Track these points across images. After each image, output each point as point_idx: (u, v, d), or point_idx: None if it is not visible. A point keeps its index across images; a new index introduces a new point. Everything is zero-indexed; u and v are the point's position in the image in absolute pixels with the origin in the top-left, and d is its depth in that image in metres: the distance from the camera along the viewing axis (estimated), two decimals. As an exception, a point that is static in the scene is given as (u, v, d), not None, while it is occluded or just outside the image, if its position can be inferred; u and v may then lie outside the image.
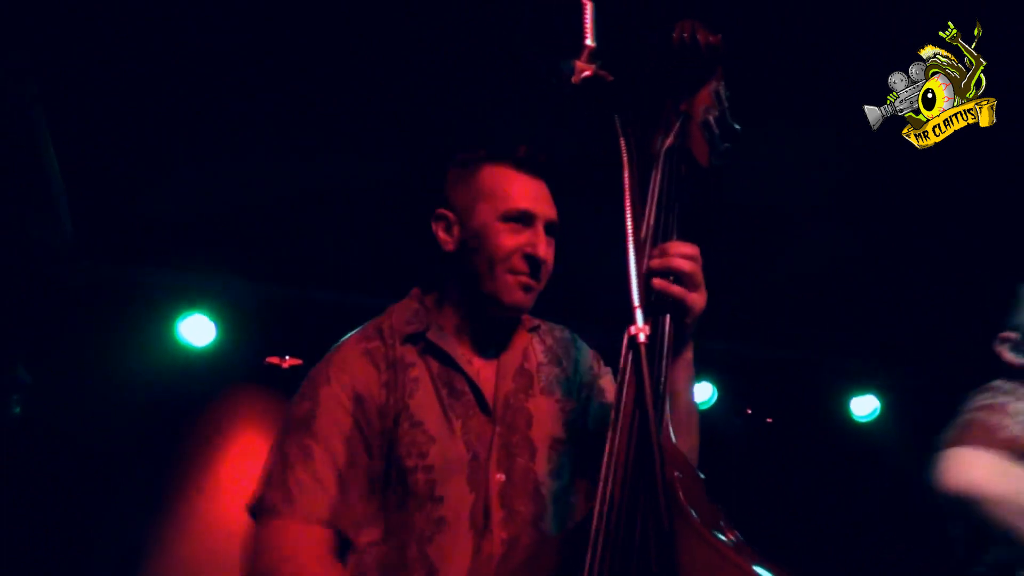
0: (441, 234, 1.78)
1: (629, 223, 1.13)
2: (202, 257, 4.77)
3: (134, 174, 4.14)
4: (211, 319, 5.06)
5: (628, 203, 1.14)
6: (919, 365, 5.54)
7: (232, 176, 4.16)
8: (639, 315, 1.08)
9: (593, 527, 1.23)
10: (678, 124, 1.38)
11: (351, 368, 1.70)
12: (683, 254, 1.37)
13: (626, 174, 1.16)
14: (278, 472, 1.62)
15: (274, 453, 1.66)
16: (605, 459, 1.29)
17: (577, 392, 1.79)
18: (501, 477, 1.63)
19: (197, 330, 5.05)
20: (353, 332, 1.79)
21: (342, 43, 3.44)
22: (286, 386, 5.21)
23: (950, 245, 4.49)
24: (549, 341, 1.85)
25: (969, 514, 1.92)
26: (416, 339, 1.73)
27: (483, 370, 1.74)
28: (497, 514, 1.61)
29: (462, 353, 1.74)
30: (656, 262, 1.35)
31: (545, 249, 1.72)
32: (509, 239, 1.71)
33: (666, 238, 1.38)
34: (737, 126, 1.39)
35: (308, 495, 1.57)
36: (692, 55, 1.37)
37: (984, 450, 1.94)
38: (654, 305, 1.34)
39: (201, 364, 5.15)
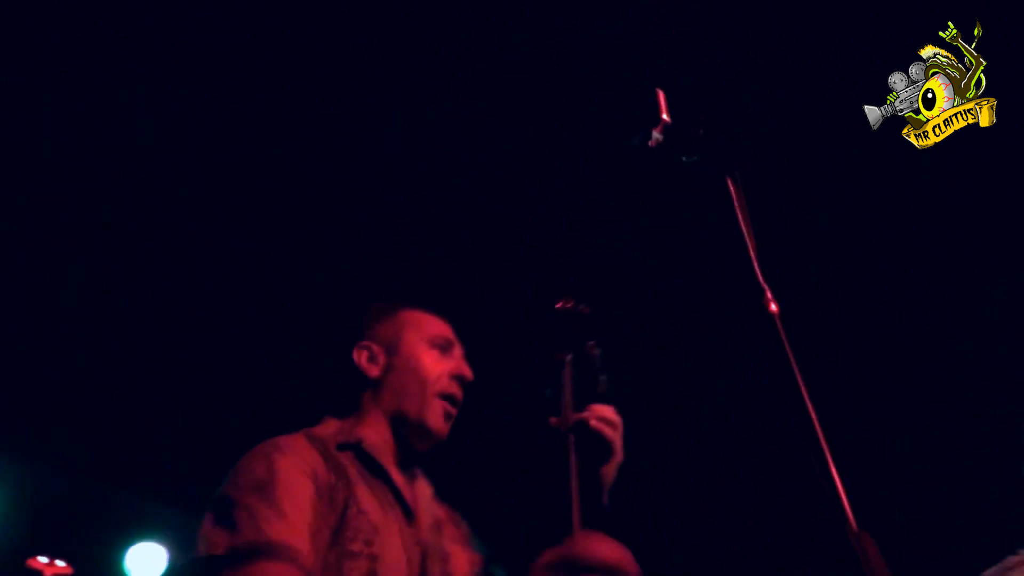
0: (364, 363, 1.89)
1: (745, 233, 1.40)
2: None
3: None
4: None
5: (744, 225, 1.40)
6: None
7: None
8: (769, 293, 1.33)
9: None
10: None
11: (300, 449, 1.66)
12: (609, 411, 1.70)
13: (740, 217, 1.42)
14: (247, 521, 1.48)
15: (235, 511, 1.51)
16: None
17: (477, 554, 1.94)
18: None
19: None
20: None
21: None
22: None
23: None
24: (446, 507, 1.95)
25: None
26: (347, 448, 1.76)
27: (405, 492, 1.80)
28: None
29: (390, 472, 1.80)
30: (593, 418, 1.67)
31: (470, 373, 1.90)
32: (438, 362, 1.88)
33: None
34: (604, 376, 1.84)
35: (288, 539, 1.48)
36: (580, 321, 1.82)
37: None
38: (586, 457, 1.67)
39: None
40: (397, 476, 1.79)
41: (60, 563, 4.39)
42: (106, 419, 4.15)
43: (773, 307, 1.33)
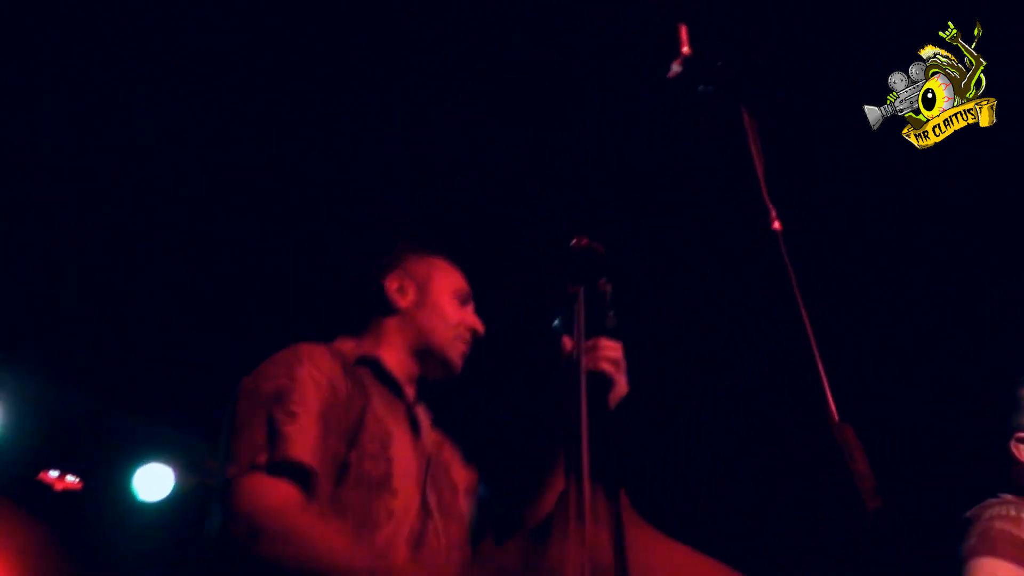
0: (394, 292, 2.06)
1: (756, 158, 1.49)
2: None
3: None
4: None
5: (755, 151, 1.49)
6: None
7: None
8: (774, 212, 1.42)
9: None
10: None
11: (320, 358, 1.77)
12: (612, 345, 1.85)
13: (752, 143, 1.49)
14: (261, 435, 1.60)
15: (255, 420, 1.63)
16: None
17: (472, 469, 2.10)
18: (436, 497, 1.83)
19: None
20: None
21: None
22: (50, 513, 4.38)
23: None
24: (441, 432, 2.10)
25: None
26: (365, 364, 1.90)
27: (414, 409, 1.95)
28: (437, 523, 1.78)
29: (404, 389, 1.95)
30: (590, 358, 1.79)
31: (482, 328, 2.10)
32: (459, 311, 2.07)
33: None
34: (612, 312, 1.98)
35: (301, 456, 1.59)
36: (593, 258, 1.98)
37: (1012, 564, 2.04)
38: (592, 391, 1.76)
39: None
40: (409, 395, 1.96)
41: (71, 478, 4.51)
42: (122, 341, 4.25)
43: (776, 225, 1.41)
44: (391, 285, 2.06)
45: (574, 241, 1.99)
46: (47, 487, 4.49)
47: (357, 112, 3.60)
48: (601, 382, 1.83)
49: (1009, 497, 2.23)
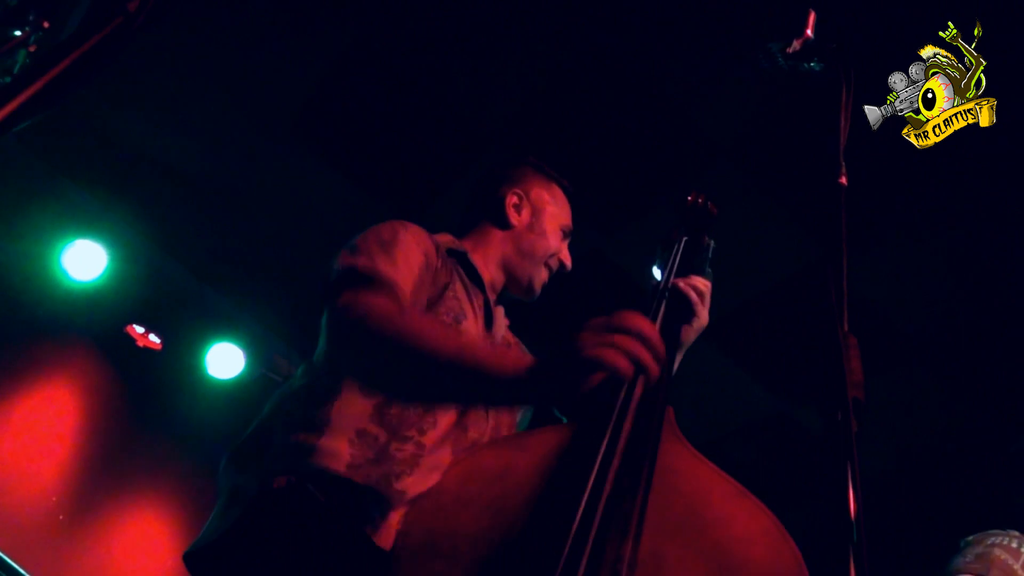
0: (510, 208, 2.14)
1: (842, 125, 1.58)
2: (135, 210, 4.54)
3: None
4: (105, 247, 4.63)
5: (843, 120, 1.58)
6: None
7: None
8: (844, 169, 1.51)
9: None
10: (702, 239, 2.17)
11: (420, 232, 1.90)
12: (703, 282, 1.96)
13: (843, 113, 1.61)
14: (366, 258, 1.73)
15: (359, 251, 1.76)
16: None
17: None
18: None
19: (80, 264, 4.59)
20: None
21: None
22: (127, 367, 4.76)
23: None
24: (516, 339, 2.19)
25: None
26: (454, 255, 2.01)
27: (491, 305, 2.05)
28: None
29: (485, 284, 2.05)
30: (683, 282, 1.92)
31: (570, 266, 2.20)
32: (559, 245, 2.15)
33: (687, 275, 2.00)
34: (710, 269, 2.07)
35: (394, 277, 1.72)
36: (704, 212, 2.12)
37: None
38: (671, 315, 1.88)
39: (56, 304, 4.54)
40: (489, 292, 2.05)
41: (153, 337, 4.87)
42: (224, 231, 4.65)
43: (843, 180, 1.51)
44: (510, 200, 2.15)
45: (691, 197, 2.14)
46: (131, 341, 4.83)
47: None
48: (684, 306, 1.91)
49: (1015, 533, 2.30)
